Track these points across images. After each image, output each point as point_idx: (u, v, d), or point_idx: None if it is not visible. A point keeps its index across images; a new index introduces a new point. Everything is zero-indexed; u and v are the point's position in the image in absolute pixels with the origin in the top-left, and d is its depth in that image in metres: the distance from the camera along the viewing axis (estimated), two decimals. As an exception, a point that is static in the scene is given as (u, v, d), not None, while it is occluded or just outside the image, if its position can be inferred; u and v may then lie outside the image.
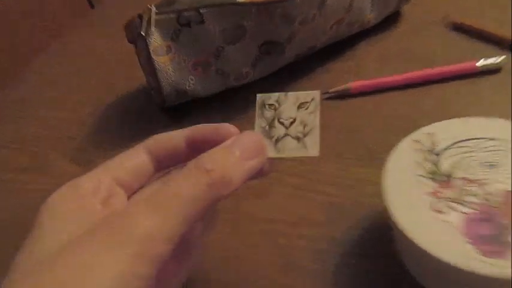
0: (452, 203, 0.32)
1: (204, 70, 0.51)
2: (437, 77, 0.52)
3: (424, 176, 0.34)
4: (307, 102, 0.32)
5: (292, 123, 0.31)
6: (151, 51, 0.49)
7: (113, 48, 0.69)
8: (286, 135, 0.31)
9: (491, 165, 0.34)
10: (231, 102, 0.55)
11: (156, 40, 0.49)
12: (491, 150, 0.35)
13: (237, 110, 0.53)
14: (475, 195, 0.33)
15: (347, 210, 0.41)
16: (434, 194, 0.33)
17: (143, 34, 0.48)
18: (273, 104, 0.32)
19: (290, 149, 0.31)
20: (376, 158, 0.42)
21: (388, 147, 0.37)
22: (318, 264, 0.38)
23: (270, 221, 0.42)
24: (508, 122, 0.37)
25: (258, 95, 0.33)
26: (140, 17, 0.48)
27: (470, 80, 0.51)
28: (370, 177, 0.43)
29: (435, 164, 0.35)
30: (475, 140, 0.36)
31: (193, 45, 0.50)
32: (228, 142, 0.29)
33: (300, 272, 0.38)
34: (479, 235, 0.30)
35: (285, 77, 0.57)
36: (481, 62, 0.52)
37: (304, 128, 0.31)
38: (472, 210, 0.32)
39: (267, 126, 0.32)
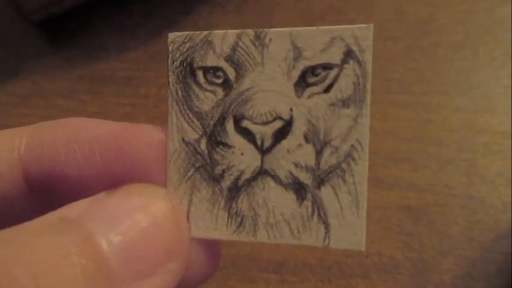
0: None
1: None
2: None
3: None
4: (328, 67, 0.13)
5: (281, 135, 0.13)
6: None
7: None
8: (262, 173, 0.13)
9: None
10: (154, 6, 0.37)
11: None
12: None
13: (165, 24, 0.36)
14: None
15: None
16: None
17: None
18: (219, 69, 0.13)
19: (276, 221, 0.13)
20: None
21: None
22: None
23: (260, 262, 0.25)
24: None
25: (172, 36, 0.14)
26: None
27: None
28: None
29: None
30: None
31: None
32: (71, 211, 0.12)
33: None
34: None
35: None
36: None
37: (320, 153, 0.13)
38: None
39: (204, 142, 0.14)
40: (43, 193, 0.14)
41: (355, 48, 0.12)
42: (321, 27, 0.13)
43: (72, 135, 0.14)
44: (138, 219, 0.12)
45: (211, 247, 0.14)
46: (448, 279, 0.25)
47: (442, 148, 0.29)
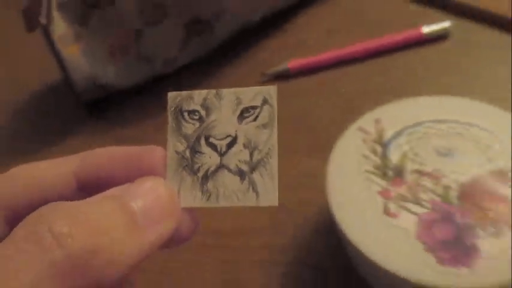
0: (406, 203, 0.28)
1: (123, 55, 0.45)
2: (380, 49, 0.47)
3: (372, 172, 0.30)
4: (254, 108, 0.21)
5: (230, 145, 0.21)
6: (55, 40, 0.42)
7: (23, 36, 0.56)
8: (221, 167, 0.21)
9: (448, 153, 0.30)
10: (162, 94, 0.48)
11: (59, 27, 0.42)
12: (446, 135, 0.31)
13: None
14: (431, 191, 0.28)
15: (295, 211, 0.37)
16: (384, 193, 0.29)
17: (43, 22, 0.41)
18: (196, 111, 0.22)
19: (229, 193, 0.21)
20: (326, 148, 0.36)
21: (338, 134, 0.33)
22: (265, 278, 0.34)
23: (206, 232, 0.36)
24: (463, 100, 0.33)
25: (170, 94, 0.22)
26: (39, 0, 0.41)
27: (418, 50, 0.47)
28: (321, 171, 0.37)
29: (384, 156, 0.31)
30: (427, 124, 0.32)
31: (107, 30, 0.44)
32: (114, 191, 0.20)
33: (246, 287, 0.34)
34: (436, 240, 0.26)
35: (219, 60, 0.50)
36: (427, 28, 0.47)
37: (251, 154, 0.21)
38: (427, 210, 0.28)
39: (188, 151, 0.21)
40: (89, 191, 0.22)
41: (268, 97, 0.21)
42: (251, 87, 0.21)
43: (110, 155, 0.22)
44: (150, 194, 0.20)
45: (192, 216, 0.21)
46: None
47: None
